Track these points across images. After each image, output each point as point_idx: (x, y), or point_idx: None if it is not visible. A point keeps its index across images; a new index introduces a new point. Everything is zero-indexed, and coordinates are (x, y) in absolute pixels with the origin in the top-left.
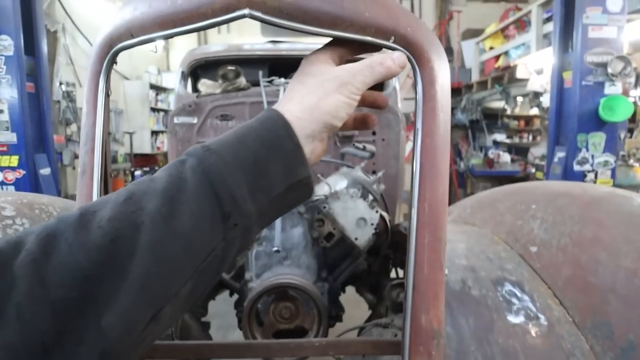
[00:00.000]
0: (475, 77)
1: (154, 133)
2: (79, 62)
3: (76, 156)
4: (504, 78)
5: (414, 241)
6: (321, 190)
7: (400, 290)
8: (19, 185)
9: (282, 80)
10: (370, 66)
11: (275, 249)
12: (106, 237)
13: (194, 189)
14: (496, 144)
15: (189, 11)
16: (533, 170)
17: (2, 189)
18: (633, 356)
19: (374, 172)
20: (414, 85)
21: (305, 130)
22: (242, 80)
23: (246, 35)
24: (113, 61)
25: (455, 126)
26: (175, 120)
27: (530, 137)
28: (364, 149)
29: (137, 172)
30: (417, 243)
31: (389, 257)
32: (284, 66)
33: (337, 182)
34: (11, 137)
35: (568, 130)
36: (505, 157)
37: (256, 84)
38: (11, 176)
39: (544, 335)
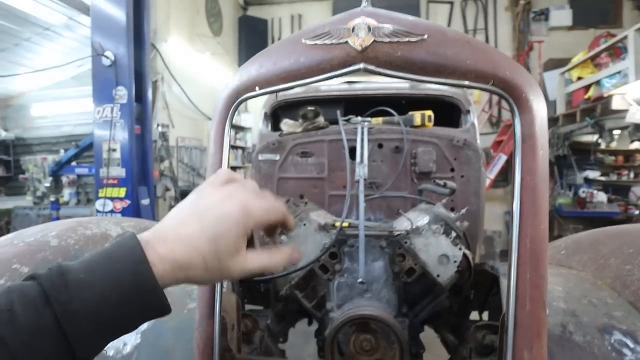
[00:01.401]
0: (560, 109)
1: (234, 168)
2: (173, 106)
3: (167, 189)
4: (596, 110)
5: (514, 277)
6: (401, 225)
7: (486, 332)
8: (124, 213)
9: (359, 118)
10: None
11: (360, 280)
12: None
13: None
14: (588, 181)
15: (310, 67)
16: (637, 212)
17: (110, 216)
18: None
19: (452, 210)
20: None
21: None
22: (321, 120)
23: None
24: (236, 109)
25: None
26: (260, 157)
27: (632, 175)
28: (445, 185)
29: None
30: (518, 279)
31: (469, 298)
32: (360, 104)
33: (419, 218)
34: (121, 172)
35: None
36: (601, 197)
37: (334, 122)
38: (119, 205)
39: None
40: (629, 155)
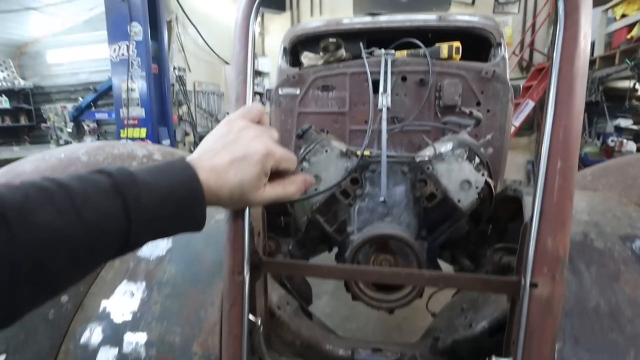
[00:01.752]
0: (599, 51)
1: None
2: (188, 49)
3: (186, 134)
4: (638, 51)
5: (544, 167)
6: (425, 153)
7: (504, 254)
8: None
9: (382, 51)
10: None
11: (382, 199)
12: None
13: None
14: (619, 130)
15: None
16: None
17: None
18: None
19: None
20: (554, 20)
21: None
22: (342, 52)
23: (338, 16)
24: (261, 4)
25: None
26: (280, 91)
27: None
28: (471, 114)
29: None
30: (548, 168)
31: (488, 227)
32: (383, 39)
33: (442, 145)
34: (140, 112)
35: None
36: (630, 146)
37: (356, 56)
38: None
39: None
40: None
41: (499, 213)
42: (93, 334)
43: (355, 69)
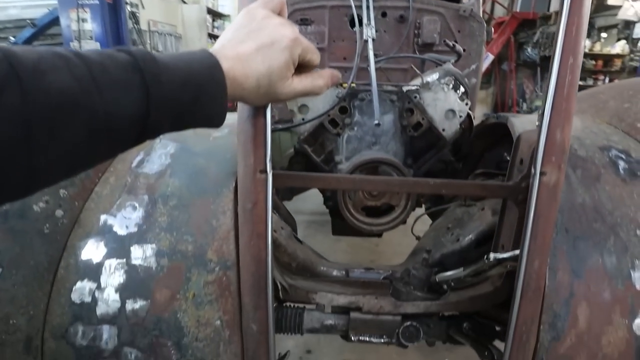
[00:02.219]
0: (555, 6)
1: None
2: None
3: None
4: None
5: (557, 63)
6: (415, 81)
7: (484, 179)
8: None
9: None
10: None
11: (376, 122)
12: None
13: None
14: None
15: None
16: None
17: None
18: None
19: None
20: None
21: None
22: None
23: None
24: None
25: (523, 64)
26: None
27: (607, 80)
28: (454, 47)
29: None
30: (560, 65)
31: (468, 155)
32: None
33: (429, 74)
34: (95, 46)
35: None
36: None
37: None
38: None
39: None
40: (608, 60)
41: (475, 145)
42: (96, 248)
43: (335, 2)
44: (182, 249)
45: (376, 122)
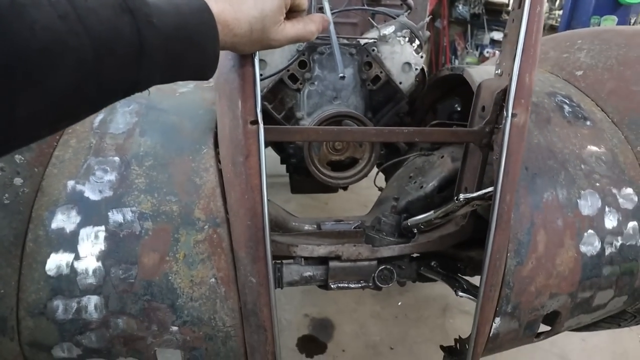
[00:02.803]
0: None
1: None
2: None
3: None
4: None
5: (526, 13)
6: (371, 34)
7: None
8: None
9: None
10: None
11: (341, 74)
12: None
13: None
14: (493, 42)
15: None
16: None
17: None
18: None
19: None
20: None
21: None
22: None
23: None
24: None
25: (454, 21)
26: None
27: None
28: (405, 0)
29: None
30: (530, 14)
31: (422, 107)
32: None
33: (385, 27)
34: None
35: (582, 12)
36: None
37: None
38: None
39: (589, 128)
40: None
41: (425, 98)
42: (67, 217)
43: None
44: (166, 209)
45: (341, 74)
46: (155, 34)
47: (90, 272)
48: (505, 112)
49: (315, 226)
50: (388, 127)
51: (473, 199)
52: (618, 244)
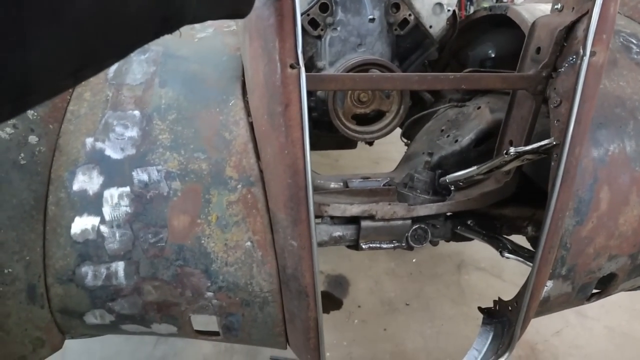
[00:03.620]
0: None
1: None
2: None
3: None
4: None
5: None
6: None
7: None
8: None
9: None
10: None
11: (371, 16)
12: None
13: None
14: None
15: None
16: None
17: None
18: None
19: None
20: None
21: None
22: None
23: None
24: None
25: None
26: None
27: None
28: None
29: None
30: None
31: (451, 54)
32: None
33: None
34: None
35: None
36: None
37: None
38: None
39: None
40: None
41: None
42: (89, 178)
43: None
44: (194, 168)
45: (371, 16)
46: None
47: (118, 237)
48: (582, 50)
49: (342, 184)
50: (431, 74)
51: (526, 152)
52: None
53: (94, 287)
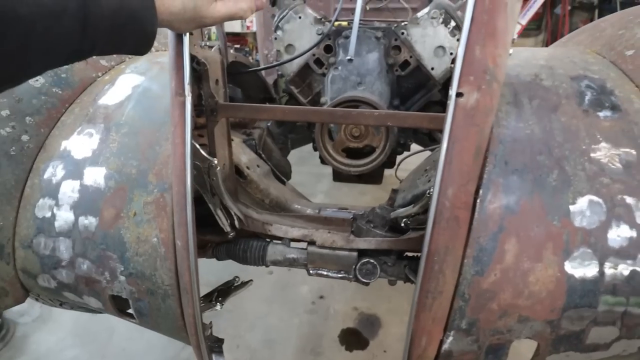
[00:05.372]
0: None
1: None
2: None
3: None
4: None
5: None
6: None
7: None
8: None
9: None
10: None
11: (348, 57)
12: None
13: None
14: None
15: None
16: None
17: None
18: None
19: None
20: None
21: None
22: None
23: None
24: None
25: (579, 6)
26: None
27: None
28: None
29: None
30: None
31: None
32: None
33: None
34: None
35: None
36: None
37: None
38: None
39: (613, 120)
40: None
41: None
42: (56, 170)
43: None
44: (127, 172)
45: (348, 57)
46: (99, 10)
47: (64, 218)
48: (450, 90)
49: (317, 211)
50: (356, 110)
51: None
52: (627, 270)
53: (43, 255)
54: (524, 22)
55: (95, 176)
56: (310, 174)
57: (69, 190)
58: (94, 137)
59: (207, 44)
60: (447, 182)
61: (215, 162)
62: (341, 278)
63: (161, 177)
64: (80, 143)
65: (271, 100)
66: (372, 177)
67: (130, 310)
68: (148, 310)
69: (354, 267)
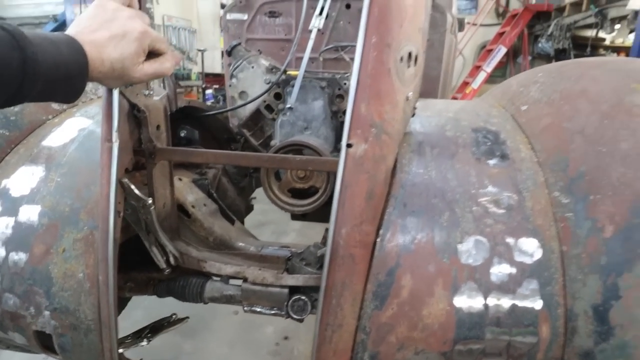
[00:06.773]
0: None
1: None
2: None
3: None
4: None
5: (361, 41)
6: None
7: None
8: None
9: None
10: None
11: (288, 105)
12: None
13: None
14: None
15: None
16: None
17: None
18: (580, 184)
19: None
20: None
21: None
22: None
23: None
24: None
25: (538, 56)
26: (228, 16)
27: None
28: None
29: (208, 91)
30: (364, 43)
31: None
32: None
33: None
34: None
35: None
36: None
37: None
38: None
39: (501, 167)
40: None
41: None
42: None
43: None
44: (60, 209)
45: (288, 105)
46: (37, 67)
47: None
48: (342, 141)
49: (259, 248)
50: (254, 154)
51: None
52: (507, 304)
53: None
54: (489, 69)
55: (29, 213)
56: (282, 213)
57: (3, 226)
58: (34, 175)
59: (151, 92)
60: (340, 222)
61: (150, 201)
62: (274, 314)
63: (92, 215)
64: (19, 181)
65: (234, 140)
66: (319, 215)
67: (52, 346)
68: (71, 345)
69: (285, 303)
